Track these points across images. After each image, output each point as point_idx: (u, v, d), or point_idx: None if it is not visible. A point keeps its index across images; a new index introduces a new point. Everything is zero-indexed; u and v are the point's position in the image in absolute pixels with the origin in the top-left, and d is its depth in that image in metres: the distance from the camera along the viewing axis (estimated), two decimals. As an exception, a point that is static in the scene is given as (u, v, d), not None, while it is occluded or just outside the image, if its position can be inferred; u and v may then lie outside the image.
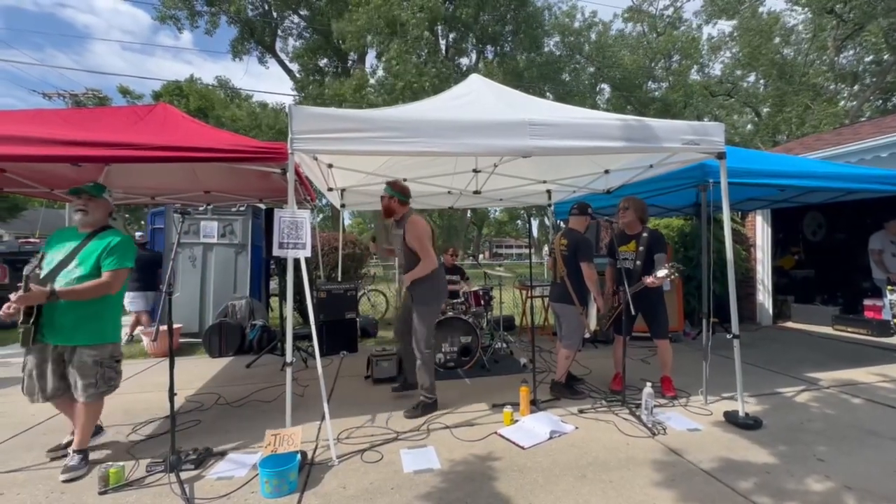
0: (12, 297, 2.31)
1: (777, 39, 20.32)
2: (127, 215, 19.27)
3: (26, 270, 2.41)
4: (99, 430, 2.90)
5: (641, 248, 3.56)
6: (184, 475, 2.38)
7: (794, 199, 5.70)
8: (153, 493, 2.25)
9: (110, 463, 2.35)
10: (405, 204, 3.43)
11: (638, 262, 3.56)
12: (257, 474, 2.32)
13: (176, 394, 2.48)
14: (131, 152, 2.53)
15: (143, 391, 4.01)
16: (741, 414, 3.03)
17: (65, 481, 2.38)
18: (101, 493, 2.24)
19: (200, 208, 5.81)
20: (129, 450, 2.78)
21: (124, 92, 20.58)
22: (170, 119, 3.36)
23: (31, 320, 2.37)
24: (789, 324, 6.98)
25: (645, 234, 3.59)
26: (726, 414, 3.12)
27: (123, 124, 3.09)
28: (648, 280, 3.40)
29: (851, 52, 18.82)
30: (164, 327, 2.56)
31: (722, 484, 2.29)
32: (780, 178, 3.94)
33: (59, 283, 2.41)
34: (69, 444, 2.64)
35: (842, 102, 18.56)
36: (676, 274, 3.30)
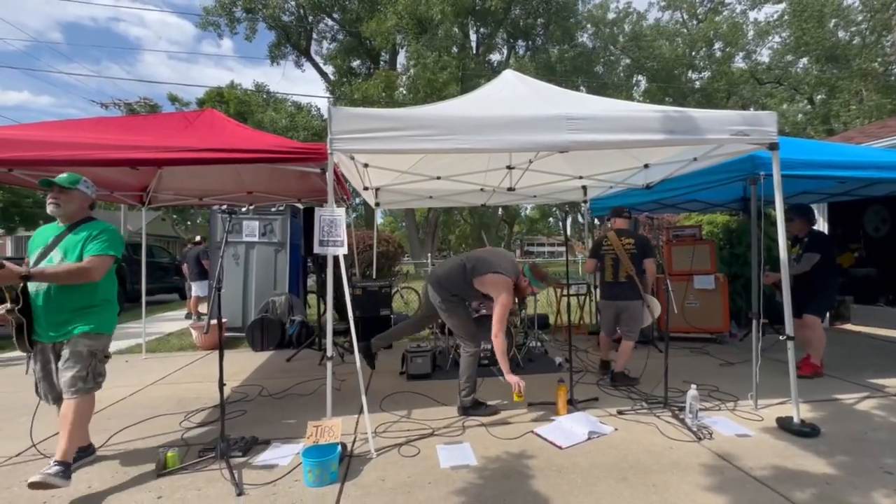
0: None
1: (833, 22, 18.88)
2: (175, 216, 20.37)
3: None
4: (90, 450, 2.57)
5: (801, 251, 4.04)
6: (232, 461, 2.49)
7: (854, 192, 5.28)
8: (205, 478, 2.38)
9: (168, 447, 2.50)
10: None
11: (794, 262, 3.94)
12: (300, 463, 2.41)
13: (225, 384, 2.61)
14: (183, 155, 2.68)
15: (194, 381, 4.24)
16: (796, 420, 2.85)
17: (29, 485, 2.03)
18: (158, 476, 2.39)
19: (243, 209, 6.08)
20: (183, 436, 2.95)
21: (173, 99, 21.91)
22: (216, 123, 3.54)
23: (16, 321, 2.24)
24: (848, 326, 6.50)
25: (806, 239, 4.08)
26: (779, 420, 2.94)
27: (175, 129, 3.28)
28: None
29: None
30: (213, 321, 2.69)
31: (776, 493, 2.17)
32: (842, 169, 3.64)
33: None
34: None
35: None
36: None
